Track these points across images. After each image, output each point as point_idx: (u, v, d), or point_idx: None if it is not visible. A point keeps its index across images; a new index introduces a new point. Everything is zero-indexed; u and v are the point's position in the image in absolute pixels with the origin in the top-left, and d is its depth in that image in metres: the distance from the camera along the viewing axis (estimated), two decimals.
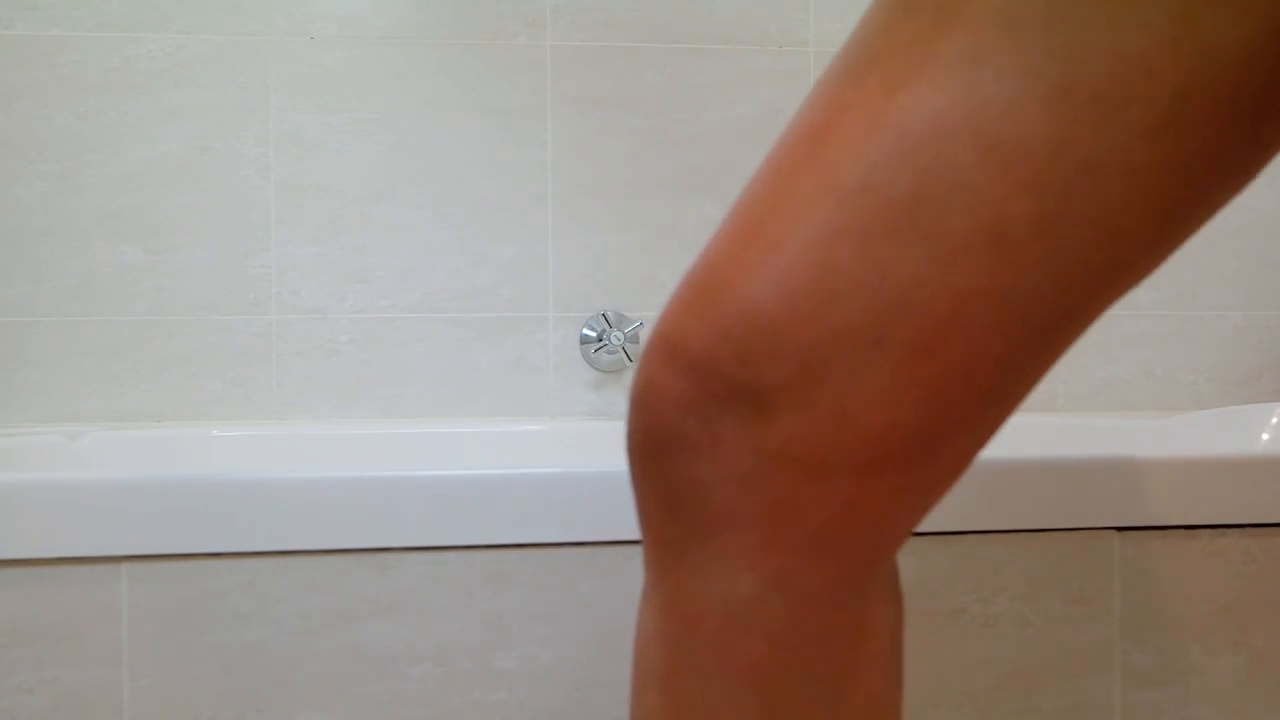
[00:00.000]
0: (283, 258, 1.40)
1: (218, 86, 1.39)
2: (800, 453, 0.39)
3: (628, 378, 1.45)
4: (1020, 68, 0.36)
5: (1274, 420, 1.28)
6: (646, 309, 1.45)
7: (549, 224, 1.44)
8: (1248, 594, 0.89)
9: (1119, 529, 0.88)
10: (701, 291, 0.40)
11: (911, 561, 0.86)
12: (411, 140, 1.42)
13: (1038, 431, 1.40)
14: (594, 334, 1.40)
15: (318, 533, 0.81)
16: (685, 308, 0.41)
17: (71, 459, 1.21)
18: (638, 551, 0.84)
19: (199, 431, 1.31)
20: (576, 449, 1.35)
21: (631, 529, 0.83)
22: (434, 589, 0.82)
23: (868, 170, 0.38)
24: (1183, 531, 0.88)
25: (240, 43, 1.39)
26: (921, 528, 0.86)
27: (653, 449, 0.42)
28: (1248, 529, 0.89)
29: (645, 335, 1.43)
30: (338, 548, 0.81)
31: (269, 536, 0.80)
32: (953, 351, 0.38)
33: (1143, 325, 1.53)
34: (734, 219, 0.41)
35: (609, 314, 1.40)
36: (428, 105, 1.42)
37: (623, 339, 1.39)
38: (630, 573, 0.84)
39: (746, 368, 0.39)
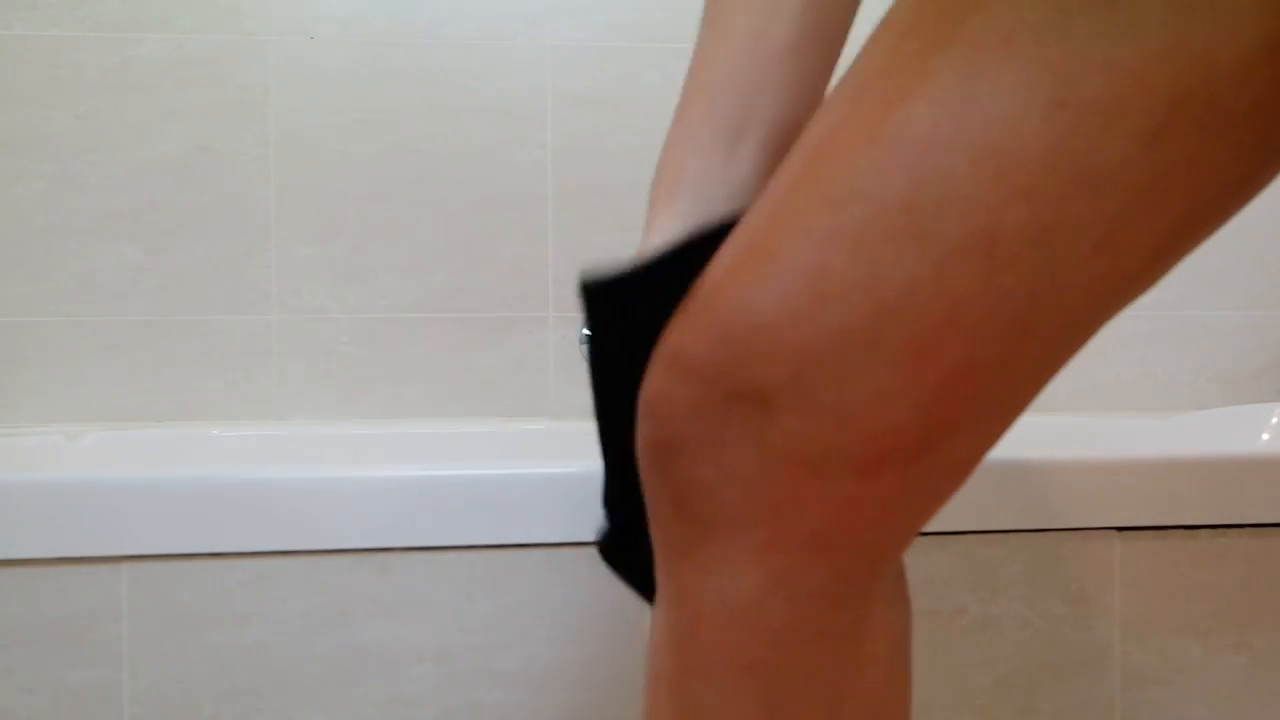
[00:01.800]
0: (283, 258, 1.40)
1: (218, 86, 1.39)
2: (802, 453, 0.40)
3: None
4: (1016, 81, 0.37)
5: (1274, 420, 1.28)
6: None
7: (549, 224, 1.44)
8: (1248, 594, 0.89)
9: (1119, 529, 0.88)
10: (701, 303, 0.42)
11: (912, 561, 0.86)
12: (411, 140, 1.42)
13: (1038, 431, 1.40)
14: None
15: (318, 533, 0.81)
16: (686, 319, 0.42)
17: (71, 459, 1.21)
18: None
19: (199, 431, 1.31)
20: (576, 449, 1.35)
21: None
22: (434, 589, 0.82)
23: (861, 178, 0.39)
24: (1183, 531, 0.88)
25: (240, 43, 1.39)
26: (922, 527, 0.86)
27: (662, 454, 0.43)
28: (1248, 529, 0.89)
29: None
30: (338, 548, 0.81)
31: (269, 536, 0.80)
32: (951, 355, 0.38)
33: (1143, 325, 1.53)
34: (734, 237, 0.43)
35: None
36: (428, 105, 1.42)
37: None
38: None
39: (746, 368, 0.40)
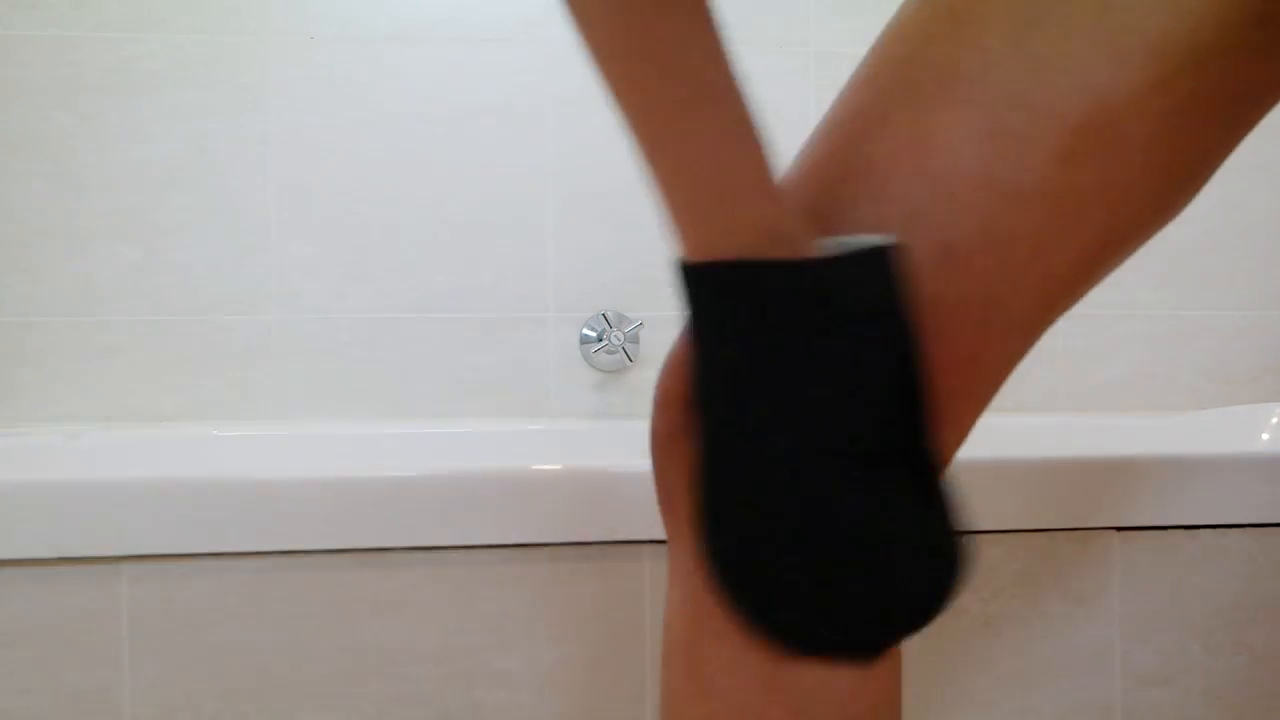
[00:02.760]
0: (283, 258, 1.40)
1: (218, 86, 1.39)
2: None
3: (628, 378, 1.45)
4: (953, 120, 0.45)
5: (1274, 420, 1.28)
6: (646, 309, 1.45)
7: (549, 224, 1.44)
8: (1248, 594, 0.89)
9: (1119, 529, 0.88)
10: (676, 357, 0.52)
11: None
12: (411, 140, 1.42)
13: (1038, 431, 1.40)
14: (594, 334, 1.40)
15: (318, 533, 0.81)
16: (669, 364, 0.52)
17: (71, 459, 1.21)
18: (638, 551, 0.84)
19: (199, 431, 1.31)
20: (576, 449, 1.35)
21: (631, 529, 0.83)
22: (434, 589, 0.82)
23: (839, 207, 0.46)
24: (1183, 531, 0.88)
25: (240, 43, 1.39)
26: None
27: (654, 446, 0.52)
28: (1248, 529, 0.89)
29: (645, 335, 1.43)
30: (338, 548, 0.81)
31: (269, 536, 0.80)
32: (930, 349, 0.45)
33: (1143, 325, 1.53)
34: None
35: (609, 314, 1.40)
36: (428, 105, 1.42)
37: (623, 339, 1.39)
38: (630, 573, 0.84)
39: None
